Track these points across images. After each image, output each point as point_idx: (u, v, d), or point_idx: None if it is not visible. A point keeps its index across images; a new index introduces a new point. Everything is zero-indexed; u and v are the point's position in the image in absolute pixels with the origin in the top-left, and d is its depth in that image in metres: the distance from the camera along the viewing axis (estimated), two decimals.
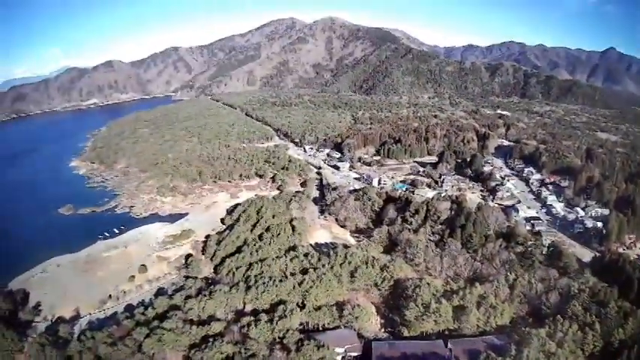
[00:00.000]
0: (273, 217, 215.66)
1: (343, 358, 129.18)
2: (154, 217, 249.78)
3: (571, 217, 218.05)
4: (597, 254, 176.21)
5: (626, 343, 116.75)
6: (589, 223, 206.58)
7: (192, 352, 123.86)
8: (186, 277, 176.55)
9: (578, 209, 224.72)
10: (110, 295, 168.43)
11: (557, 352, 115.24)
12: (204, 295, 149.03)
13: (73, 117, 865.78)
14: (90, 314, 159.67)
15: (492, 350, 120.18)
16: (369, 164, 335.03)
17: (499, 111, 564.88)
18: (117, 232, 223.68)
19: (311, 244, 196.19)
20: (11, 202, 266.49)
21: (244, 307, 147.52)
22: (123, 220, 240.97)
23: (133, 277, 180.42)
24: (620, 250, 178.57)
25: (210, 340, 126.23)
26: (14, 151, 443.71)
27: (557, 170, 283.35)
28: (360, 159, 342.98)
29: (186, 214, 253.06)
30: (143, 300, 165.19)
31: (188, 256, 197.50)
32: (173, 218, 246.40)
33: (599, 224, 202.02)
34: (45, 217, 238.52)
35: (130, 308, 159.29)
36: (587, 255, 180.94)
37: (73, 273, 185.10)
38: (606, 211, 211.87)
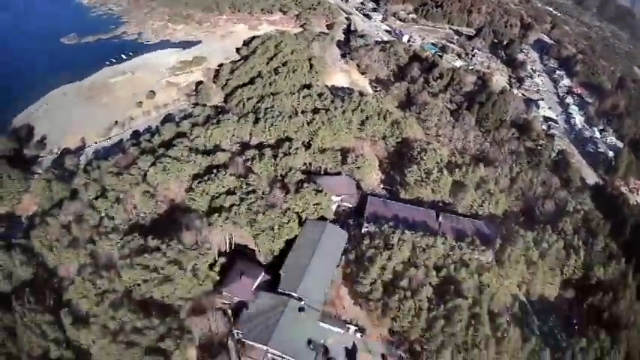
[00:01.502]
0: (292, 53, 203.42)
1: (338, 206, 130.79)
2: (165, 44, 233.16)
3: (587, 134, 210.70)
4: (601, 182, 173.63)
5: (602, 286, 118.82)
6: (602, 148, 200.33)
7: (195, 182, 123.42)
8: (195, 105, 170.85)
9: (596, 130, 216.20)
10: (116, 122, 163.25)
11: (538, 262, 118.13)
12: (212, 124, 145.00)
13: None
14: (96, 143, 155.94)
15: (479, 236, 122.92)
16: (403, 20, 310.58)
17: (550, 8, 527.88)
18: (124, 57, 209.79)
19: (327, 86, 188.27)
20: (10, 36, 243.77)
21: (250, 139, 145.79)
22: (131, 47, 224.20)
23: (141, 102, 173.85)
24: (623, 189, 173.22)
25: (214, 171, 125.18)
26: None
27: (586, 84, 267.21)
28: (395, 14, 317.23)
29: (200, 41, 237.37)
30: (150, 126, 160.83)
31: (199, 83, 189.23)
32: (185, 45, 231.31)
33: (611, 154, 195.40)
34: (47, 48, 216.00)
35: (136, 135, 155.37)
36: (590, 177, 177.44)
37: (78, 101, 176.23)
38: (620, 144, 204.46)
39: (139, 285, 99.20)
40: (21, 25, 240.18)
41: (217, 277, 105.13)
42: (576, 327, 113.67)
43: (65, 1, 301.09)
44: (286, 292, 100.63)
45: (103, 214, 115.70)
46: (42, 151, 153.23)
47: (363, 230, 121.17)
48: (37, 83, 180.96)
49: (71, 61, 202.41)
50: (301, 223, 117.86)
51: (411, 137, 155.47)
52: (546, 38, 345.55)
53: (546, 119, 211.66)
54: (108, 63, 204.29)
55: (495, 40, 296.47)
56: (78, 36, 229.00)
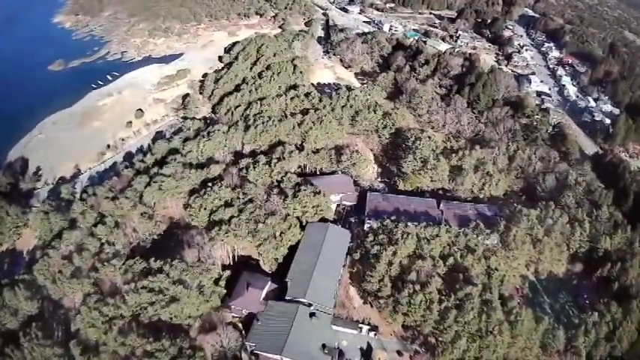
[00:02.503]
0: (274, 55, 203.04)
1: (338, 206, 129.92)
2: (148, 60, 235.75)
3: (582, 104, 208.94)
4: (600, 151, 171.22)
5: (610, 257, 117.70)
6: (598, 116, 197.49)
7: (192, 198, 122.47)
8: (184, 118, 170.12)
9: (590, 99, 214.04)
10: (108, 145, 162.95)
11: (544, 240, 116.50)
12: (203, 137, 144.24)
13: None
14: (90, 169, 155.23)
15: (482, 220, 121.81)
16: (381, 10, 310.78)
17: None
18: (110, 79, 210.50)
19: (313, 84, 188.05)
20: None
21: (243, 147, 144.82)
22: (115, 67, 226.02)
23: (130, 122, 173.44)
24: (623, 155, 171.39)
25: (210, 184, 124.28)
26: None
27: (577, 54, 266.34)
28: (372, 4, 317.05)
29: (182, 54, 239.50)
30: (142, 146, 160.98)
31: (185, 96, 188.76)
32: (168, 59, 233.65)
33: (608, 121, 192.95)
34: (35, 77, 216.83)
35: (129, 156, 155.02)
36: (589, 147, 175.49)
37: (69, 128, 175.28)
38: (617, 111, 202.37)
39: (145, 308, 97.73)
40: (8, 57, 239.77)
41: (224, 291, 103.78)
42: (587, 301, 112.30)
43: (47, 26, 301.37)
44: (295, 299, 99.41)
45: (103, 241, 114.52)
46: (37, 182, 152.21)
47: (366, 227, 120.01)
48: (29, 114, 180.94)
49: (59, 87, 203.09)
50: (303, 227, 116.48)
51: (404, 127, 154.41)
52: (531, 12, 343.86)
53: (539, 93, 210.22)
54: (95, 86, 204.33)
55: (478, 20, 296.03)
56: (64, 62, 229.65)
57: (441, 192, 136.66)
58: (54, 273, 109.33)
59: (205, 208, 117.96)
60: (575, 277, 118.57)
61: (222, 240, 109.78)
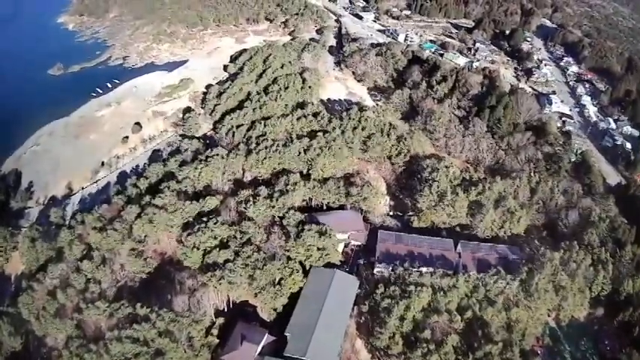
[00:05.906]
0: (282, 67, 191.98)
1: (345, 245, 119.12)
2: (151, 67, 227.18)
3: (602, 125, 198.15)
4: (623, 180, 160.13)
5: (631, 301, 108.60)
6: (619, 140, 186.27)
7: (184, 233, 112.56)
8: (183, 137, 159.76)
9: (611, 120, 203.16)
10: (103, 163, 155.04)
11: (567, 286, 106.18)
12: (200, 161, 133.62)
13: None
14: (82, 188, 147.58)
15: (502, 264, 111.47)
16: (396, 18, 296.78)
17: None
18: (110, 86, 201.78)
19: (322, 100, 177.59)
20: None
21: (243, 174, 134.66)
22: (117, 73, 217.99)
23: (127, 138, 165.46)
24: None
25: (205, 219, 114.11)
26: None
27: (596, 69, 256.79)
28: (387, 11, 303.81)
29: (186, 61, 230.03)
30: (137, 166, 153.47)
31: (187, 109, 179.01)
32: (171, 66, 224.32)
33: (629, 145, 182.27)
34: (34, 82, 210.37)
35: (123, 177, 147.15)
36: (611, 175, 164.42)
37: (65, 141, 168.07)
38: (637, 133, 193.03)
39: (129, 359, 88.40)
40: (7, 58, 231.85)
41: (216, 341, 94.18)
42: (608, 348, 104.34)
43: (51, 27, 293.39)
44: (294, 356, 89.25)
45: (89, 277, 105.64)
46: (29, 201, 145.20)
47: (376, 271, 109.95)
48: (26, 122, 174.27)
49: (58, 94, 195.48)
50: (306, 272, 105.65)
51: (420, 153, 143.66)
52: (549, 23, 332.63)
53: (560, 115, 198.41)
54: (94, 94, 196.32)
55: (496, 31, 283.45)
56: (64, 66, 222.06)
57: (458, 228, 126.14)
58: (38, 308, 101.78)
59: (199, 248, 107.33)
60: (596, 322, 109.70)
61: (216, 287, 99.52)
